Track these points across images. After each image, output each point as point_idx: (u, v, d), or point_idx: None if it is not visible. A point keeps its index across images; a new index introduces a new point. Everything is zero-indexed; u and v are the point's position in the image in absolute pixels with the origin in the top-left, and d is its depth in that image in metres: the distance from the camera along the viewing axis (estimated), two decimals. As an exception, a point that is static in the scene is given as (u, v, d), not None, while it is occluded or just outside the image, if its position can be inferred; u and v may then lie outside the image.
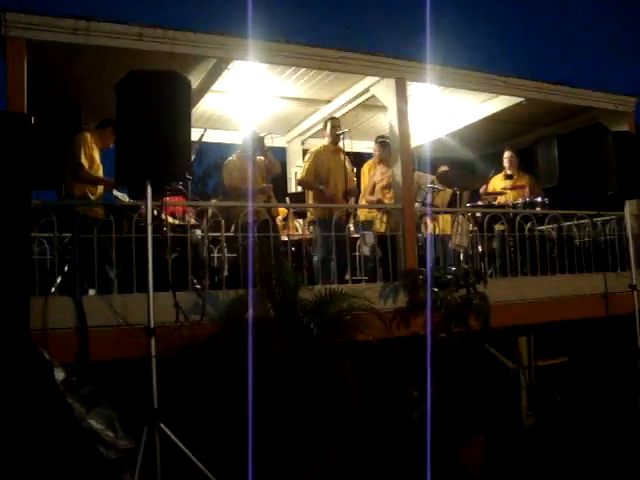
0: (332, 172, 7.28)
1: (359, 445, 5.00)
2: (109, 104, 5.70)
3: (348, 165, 7.44)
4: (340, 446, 4.91)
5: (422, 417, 5.99)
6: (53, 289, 5.44)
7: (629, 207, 7.61)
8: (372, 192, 7.67)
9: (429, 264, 6.42)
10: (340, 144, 7.35)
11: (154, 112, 4.51)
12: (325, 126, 7.49)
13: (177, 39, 5.73)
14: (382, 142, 7.74)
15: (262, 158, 6.97)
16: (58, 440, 4.24)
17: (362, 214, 7.46)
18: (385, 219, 7.10)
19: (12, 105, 5.07)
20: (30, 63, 5.30)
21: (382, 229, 7.05)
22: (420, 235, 7.16)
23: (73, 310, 5.01)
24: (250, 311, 5.00)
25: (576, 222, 8.11)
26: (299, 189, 7.87)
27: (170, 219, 6.46)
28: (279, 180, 7.80)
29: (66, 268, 5.79)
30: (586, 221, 8.06)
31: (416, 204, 7.01)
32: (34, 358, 4.37)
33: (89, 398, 4.51)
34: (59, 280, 5.60)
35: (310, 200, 7.32)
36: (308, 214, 7.23)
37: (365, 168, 8.05)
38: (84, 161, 5.85)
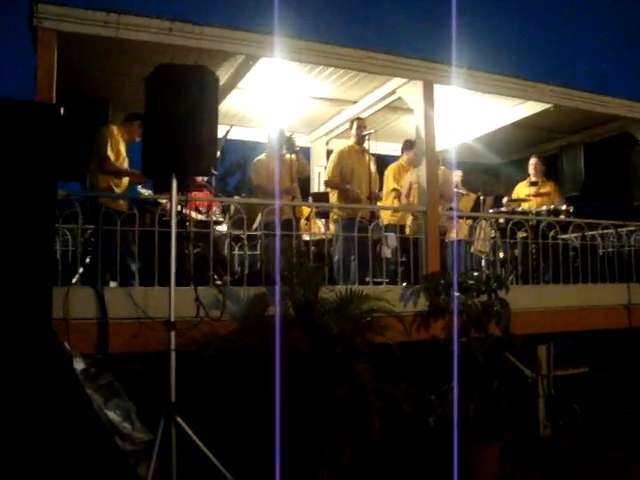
0: (356, 173, 7.28)
1: (374, 448, 4.96)
2: (137, 98, 5.76)
3: (372, 167, 7.43)
4: (355, 448, 4.87)
5: (438, 422, 5.97)
6: (75, 280, 5.47)
7: (655, 218, 7.53)
8: (408, 194, 7.60)
9: (456, 268, 6.39)
10: (365, 145, 7.34)
11: (182, 107, 4.50)
12: (351, 126, 7.49)
13: (206, 34, 5.74)
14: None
15: (293, 157, 6.96)
16: (76, 430, 4.26)
17: (385, 217, 7.43)
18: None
19: (41, 96, 5.10)
20: (60, 55, 5.32)
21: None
22: (442, 239, 7.11)
23: (94, 301, 5.03)
24: (277, 308, 4.98)
25: (600, 232, 8.03)
26: (322, 189, 7.85)
27: (194, 214, 6.49)
28: (304, 181, 7.78)
29: (88, 259, 5.83)
30: (610, 231, 7.97)
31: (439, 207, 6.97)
32: (54, 348, 4.40)
33: (107, 389, 4.53)
34: (81, 271, 5.64)
35: (334, 201, 7.32)
36: (331, 215, 7.22)
37: (390, 171, 8.01)
38: (110, 153, 5.88)
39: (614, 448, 6.73)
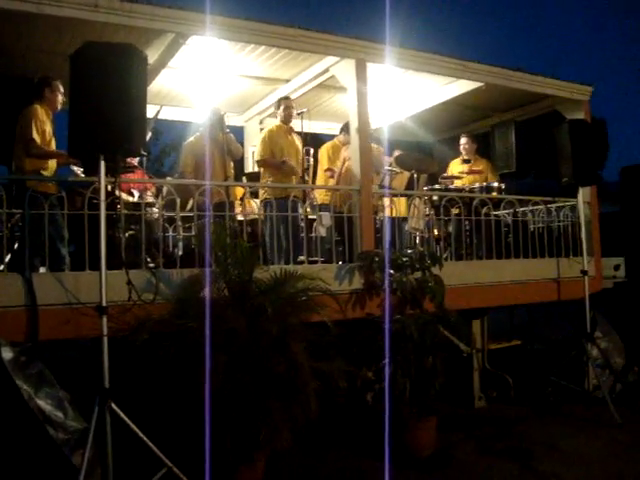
0: (285, 152, 7.29)
1: (313, 426, 4.99)
2: (64, 77, 5.57)
3: (299, 146, 7.44)
4: (294, 427, 4.89)
5: (376, 398, 6.04)
6: (2, 266, 5.30)
7: (582, 194, 7.74)
8: (340, 173, 7.57)
9: (387, 246, 6.44)
10: (292, 124, 7.34)
11: (109, 85, 4.40)
12: (278, 106, 7.49)
13: (134, 11, 5.57)
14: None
15: (225, 135, 6.88)
16: (4, 421, 4.16)
17: (320, 196, 7.43)
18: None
19: (-40, 75, 4.90)
20: (-21, 32, 5.12)
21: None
22: (377, 217, 7.15)
23: (23, 288, 4.88)
24: (208, 289, 4.95)
25: (531, 208, 8.22)
26: (256, 169, 7.79)
27: (126, 196, 6.35)
28: (237, 161, 7.71)
29: (16, 245, 5.66)
30: (541, 207, 8.17)
31: (373, 186, 7.00)
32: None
33: (38, 378, 4.42)
34: (8, 257, 5.47)
35: (266, 179, 7.28)
36: (261, 193, 7.18)
37: (324, 150, 8.00)
38: (36, 136, 5.68)
39: (544, 416, 6.99)
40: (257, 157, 7.40)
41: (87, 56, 4.49)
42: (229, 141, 6.91)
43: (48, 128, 5.93)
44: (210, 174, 6.49)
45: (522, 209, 8.20)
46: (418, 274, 6.28)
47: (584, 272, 7.42)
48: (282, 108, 7.41)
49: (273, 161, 7.23)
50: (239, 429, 4.70)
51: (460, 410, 7.34)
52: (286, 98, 7.57)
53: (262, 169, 7.44)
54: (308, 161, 7.56)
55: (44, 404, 4.32)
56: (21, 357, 4.45)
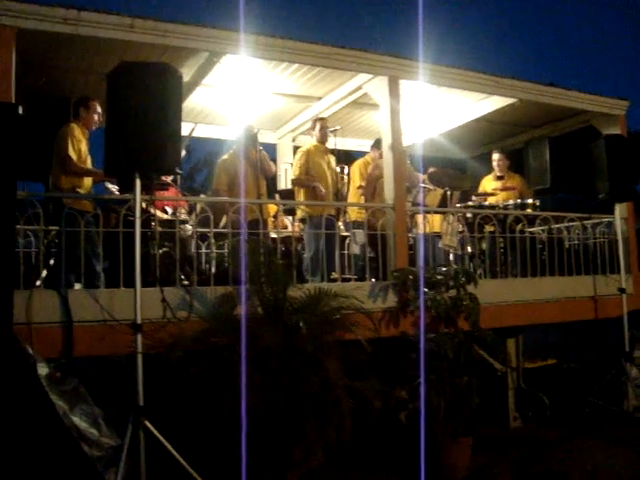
0: (322, 171, 7.28)
1: (346, 446, 4.94)
2: (99, 96, 5.66)
3: (334, 165, 7.45)
4: (327, 446, 4.84)
5: (410, 417, 5.96)
6: (38, 282, 5.35)
7: (619, 210, 7.62)
8: (374, 191, 7.56)
9: (422, 264, 6.38)
10: (329, 143, 7.35)
11: (145, 104, 4.45)
12: (313, 126, 7.50)
13: (169, 31, 5.65)
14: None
15: (259, 153, 6.91)
16: (40, 437, 4.18)
17: (353, 214, 7.42)
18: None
19: (-1, 94, 4.98)
20: (19, 52, 5.21)
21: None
22: (411, 235, 7.11)
23: (58, 304, 4.92)
24: (243, 307, 4.94)
25: (566, 224, 8.10)
26: (289, 186, 7.81)
27: (160, 213, 6.40)
28: (270, 178, 7.74)
29: (52, 261, 5.71)
30: (576, 223, 8.04)
31: (407, 203, 6.96)
32: (17, 353, 4.30)
33: (73, 395, 4.44)
34: (45, 273, 5.52)
35: (301, 198, 7.29)
36: (298, 212, 7.19)
37: (355, 168, 7.99)
38: (72, 153, 5.76)
39: (581, 437, 6.82)
40: (293, 176, 7.42)
41: (123, 75, 4.56)
42: (262, 159, 6.93)
43: (84, 147, 6.01)
44: (244, 192, 6.50)
45: (557, 225, 8.09)
46: (453, 292, 6.21)
47: (622, 290, 7.29)
48: (318, 128, 7.42)
49: (306, 182, 7.24)
50: (273, 447, 4.67)
51: (495, 430, 7.21)
52: (322, 119, 7.60)
53: (297, 188, 7.44)
54: (342, 179, 7.54)
55: (79, 421, 4.33)
56: (56, 373, 4.47)
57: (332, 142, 7.33)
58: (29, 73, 5.95)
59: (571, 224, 8.07)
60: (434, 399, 5.74)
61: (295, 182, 7.40)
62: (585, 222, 8.18)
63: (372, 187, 7.52)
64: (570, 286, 7.54)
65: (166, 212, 6.66)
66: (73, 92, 6.81)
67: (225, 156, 7.26)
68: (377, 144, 7.64)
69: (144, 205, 5.63)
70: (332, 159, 7.52)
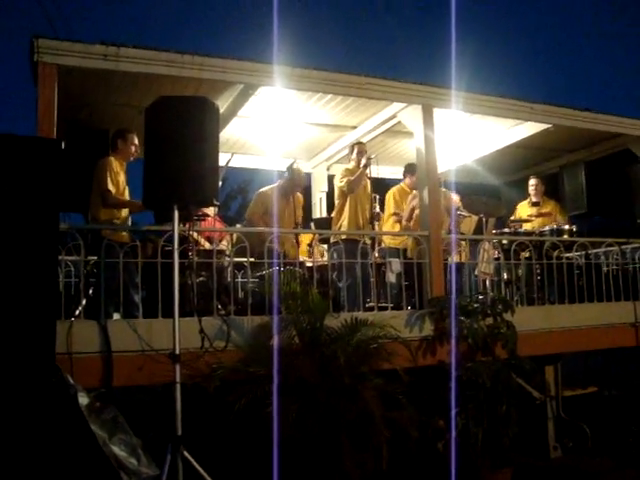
0: (359, 197, 7.26)
1: (384, 475, 4.90)
2: (137, 129, 5.77)
3: (369, 190, 7.43)
4: (364, 476, 4.82)
5: (447, 447, 5.89)
6: (78, 312, 5.43)
7: (659, 234, 7.50)
8: (409, 218, 7.54)
9: (453, 294, 6.33)
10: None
11: (183, 137, 4.52)
12: (351, 151, 7.47)
13: (205, 65, 5.77)
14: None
15: (299, 197, 6.97)
16: (81, 466, 4.21)
17: (387, 241, 7.40)
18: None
19: (42, 130, 5.11)
20: (60, 87, 5.35)
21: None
22: (447, 262, 7.06)
23: (98, 334, 5.00)
24: (276, 337, 4.97)
25: (604, 249, 7.99)
26: (324, 214, 7.82)
27: (204, 242, 6.48)
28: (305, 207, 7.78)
29: (91, 291, 5.80)
30: (614, 249, 7.92)
31: (442, 231, 6.93)
32: (59, 383, 4.36)
33: (112, 424, 4.47)
34: (84, 303, 5.61)
35: (345, 221, 7.24)
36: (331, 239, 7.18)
37: (390, 195, 7.98)
38: (111, 187, 5.86)
39: (627, 468, 6.64)
40: (340, 183, 7.32)
41: (162, 109, 4.64)
42: (296, 204, 7.00)
43: (122, 178, 6.11)
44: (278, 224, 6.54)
45: (595, 251, 7.97)
46: (489, 320, 6.16)
47: (663, 316, 7.15)
48: (355, 153, 7.33)
49: (356, 182, 7.17)
50: (311, 478, 4.65)
51: (535, 461, 7.07)
52: (359, 143, 7.56)
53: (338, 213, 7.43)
54: (375, 208, 7.51)
55: (118, 450, 4.36)
56: (96, 403, 4.51)
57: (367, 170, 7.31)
58: (69, 106, 6.09)
59: (609, 249, 7.95)
60: (472, 429, 5.68)
61: (348, 185, 7.23)
62: (623, 247, 8.06)
63: (410, 215, 7.49)
64: (609, 312, 7.40)
65: (210, 242, 6.72)
66: (111, 124, 6.96)
67: (266, 188, 7.32)
68: (411, 169, 7.63)
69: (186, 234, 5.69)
70: (368, 184, 7.48)
